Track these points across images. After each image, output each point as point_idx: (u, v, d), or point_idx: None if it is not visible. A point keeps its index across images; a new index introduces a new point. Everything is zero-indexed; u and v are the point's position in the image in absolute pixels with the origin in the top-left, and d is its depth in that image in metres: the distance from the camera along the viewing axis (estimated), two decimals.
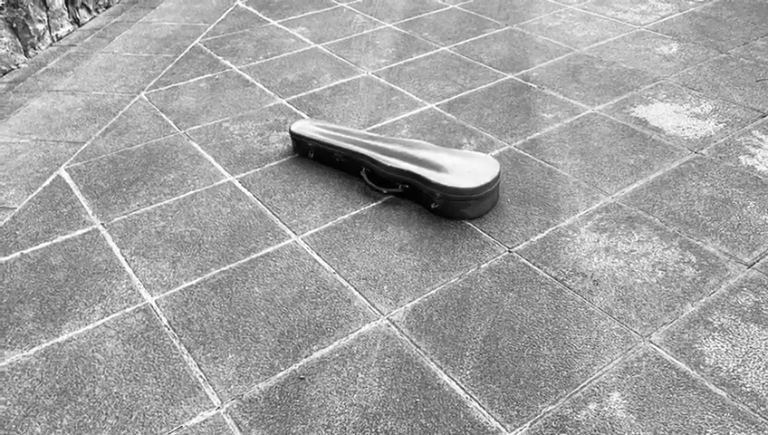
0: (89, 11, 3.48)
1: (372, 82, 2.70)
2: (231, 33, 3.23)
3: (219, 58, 2.95)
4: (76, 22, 3.38)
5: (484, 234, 1.81)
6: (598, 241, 1.77)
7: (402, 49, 2.98)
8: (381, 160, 1.97)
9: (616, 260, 1.70)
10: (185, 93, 2.66)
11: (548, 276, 1.66)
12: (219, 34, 3.21)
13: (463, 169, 1.89)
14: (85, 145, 2.32)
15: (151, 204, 2.00)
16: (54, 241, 1.86)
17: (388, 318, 1.56)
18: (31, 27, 3.03)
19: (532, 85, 2.61)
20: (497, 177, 1.87)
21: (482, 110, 2.45)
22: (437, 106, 2.49)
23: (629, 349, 1.46)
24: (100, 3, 3.58)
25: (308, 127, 2.19)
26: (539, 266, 1.69)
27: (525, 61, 2.81)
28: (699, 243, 1.75)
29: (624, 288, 1.62)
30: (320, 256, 1.76)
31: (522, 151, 2.18)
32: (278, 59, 2.93)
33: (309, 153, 2.16)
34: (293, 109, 2.51)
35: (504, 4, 3.45)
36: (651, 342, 1.48)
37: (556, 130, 2.31)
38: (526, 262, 1.71)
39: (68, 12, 3.32)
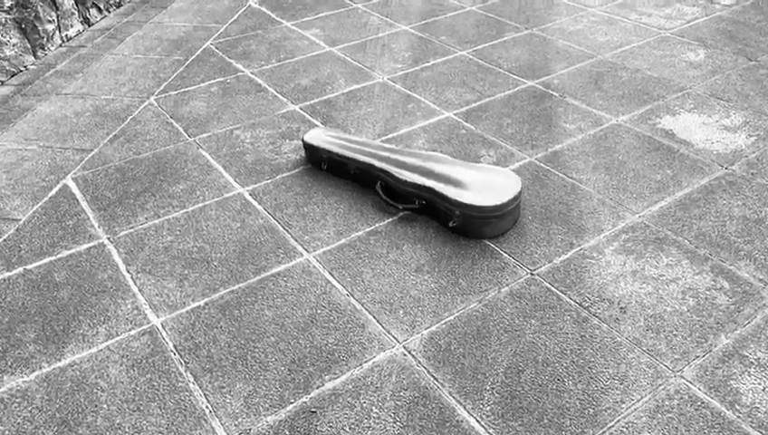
0: (99, 10, 3.42)
1: (388, 88, 2.62)
2: (243, 34, 3.16)
3: (231, 61, 2.88)
4: (86, 21, 3.32)
5: (505, 254, 1.73)
6: (624, 264, 1.68)
7: (419, 53, 2.89)
8: (397, 174, 1.89)
9: (644, 286, 1.62)
10: (195, 98, 2.59)
11: (572, 302, 1.58)
12: (231, 36, 3.14)
13: (483, 184, 1.81)
14: (93, 153, 2.26)
15: (159, 217, 1.93)
16: (59, 256, 1.80)
17: (404, 346, 1.49)
18: (40, 28, 2.98)
19: (554, 93, 2.52)
20: (519, 193, 1.79)
21: (501, 119, 2.37)
22: (455, 115, 2.41)
23: (660, 385, 1.38)
24: (111, 2, 3.52)
25: (321, 137, 2.12)
26: (562, 291, 1.61)
27: (546, 67, 2.72)
28: (732, 268, 1.66)
29: (653, 317, 1.54)
30: (333, 275, 1.69)
31: (543, 165, 2.10)
32: (291, 62, 2.85)
33: (322, 164, 2.09)
34: (306, 116, 2.44)
35: (523, 6, 3.36)
36: (683, 377, 1.39)
37: (579, 141, 2.22)
38: (549, 286, 1.63)
39: (78, 11, 3.26)
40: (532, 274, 1.67)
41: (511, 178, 1.84)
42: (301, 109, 2.49)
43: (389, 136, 2.29)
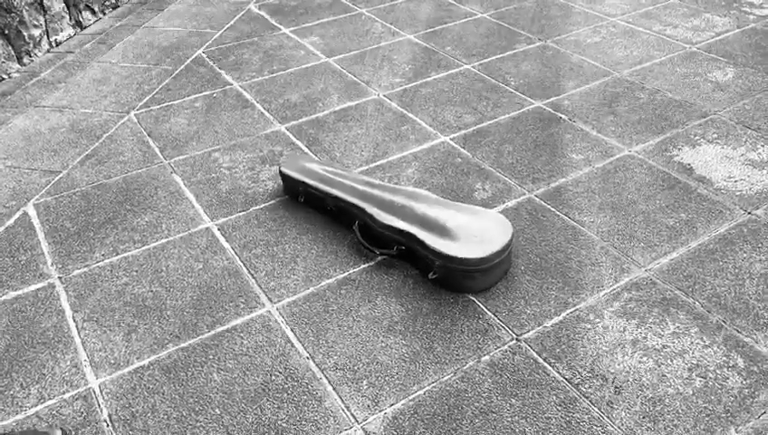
0: (93, 12, 3.28)
1: (382, 106, 2.43)
2: (238, 41, 2.99)
3: (221, 72, 2.72)
4: (79, 25, 3.18)
5: (489, 313, 1.54)
6: (624, 331, 1.48)
7: (420, 66, 2.70)
8: (376, 216, 1.71)
9: (644, 359, 1.42)
10: (177, 114, 2.43)
11: (561, 378, 1.39)
12: (225, 43, 2.98)
13: (469, 232, 1.62)
14: (60, 175, 2.12)
15: (117, 253, 1.78)
16: (4, 298, 1.66)
17: (362, 428, 1.31)
18: (25, 33, 2.85)
19: (562, 116, 2.31)
20: (509, 243, 1.60)
21: (502, 145, 2.16)
22: (452, 139, 2.21)
23: None
24: (107, 3, 3.38)
25: (299, 166, 1.94)
26: (551, 363, 1.42)
27: (557, 85, 2.50)
28: (748, 339, 1.45)
29: (652, 401, 1.33)
30: (294, 333, 1.52)
31: (543, 203, 1.89)
32: (284, 75, 2.68)
33: (299, 197, 1.92)
34: (291, 137, 2.27)
35: (538, 14, 3.13)
36: None
37: (585, 175, 2.01)
38: (536, 356, 1.43)
39: (69, 14, 3.12)
40: (518, 339, 1.47)
41: (501, 225, 1.64)
42: (287, 129, 2.32)
43: (377, 163, 2.10)
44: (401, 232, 1.65)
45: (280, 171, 1.95)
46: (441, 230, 1.63)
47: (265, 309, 1.59)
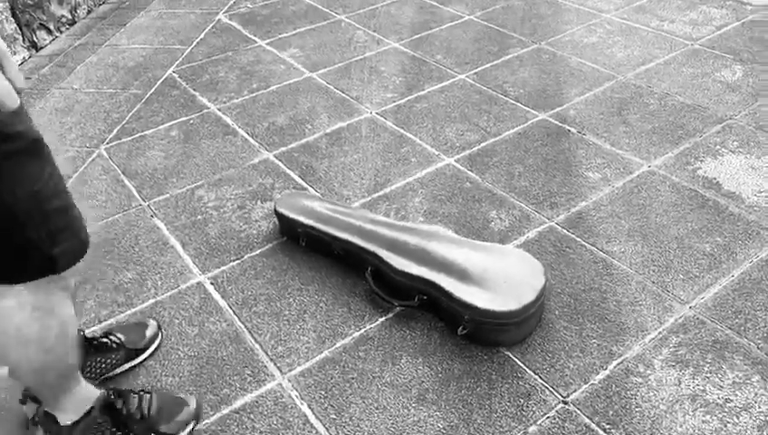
0: (49, 31, 3.01)
1: (377, 125, 2.25)
2: (210, 58, 2.77)
3: (195, 94, 2.50)
4: (33, 46, 2.92)
5: (529, 371, 1.38)
6: (680, 383, 1.34)
7: (411, 78, 2.51)
8: (390, 262, 1.54)
9: (708, 418, 1.27)
10: (152, 146, 2.21)
11: None
12: (197, 60, 2.75)
13: (497, 277, 1.46)
14: None
15: (99, 321, 1.58)
16: None
17: None
18: None
19: (571, 129, 2.15)
20: (543, 288, 1.44)
21: (512, 166, 2.00)
22: (457, 161, 2.04)
23: None
24: (63, 20, 3.11)
25: (297, 205, 1.75)
26: (606, 430, 1.26)
27: (559, 93, 2.35)
28: None
29: None
30: (312, 409, 1.34)
31: (567, 232, 1.74)
32: (265, 94, 2.47)
33: (300, 240, 1.73)
34: (282, 166, 2.07)
35: (527, 13, 2.96)
36: None
37: (606, 196, 1.86)
38: (588, 421, 1.28)
39: (23, 35, 2.86)
40: (565, 402, 1.32)
41: (530, 267, 1.48)
42: (276, 157, 2.12)
43: (380, 193, 1.92)
44: (421, 280, 1.48)
45: (276, 211, 1.76)
46: (466, 276, 1.46)
47: (276, 382, 1.40)
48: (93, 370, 1.40)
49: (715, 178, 1.89)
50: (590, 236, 1.72)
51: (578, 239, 1.72)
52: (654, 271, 1.60)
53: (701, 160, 1.97)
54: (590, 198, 1.86)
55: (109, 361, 1.42)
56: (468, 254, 1.52)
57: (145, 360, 1.46)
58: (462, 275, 1.46)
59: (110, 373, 1.42)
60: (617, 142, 2.07)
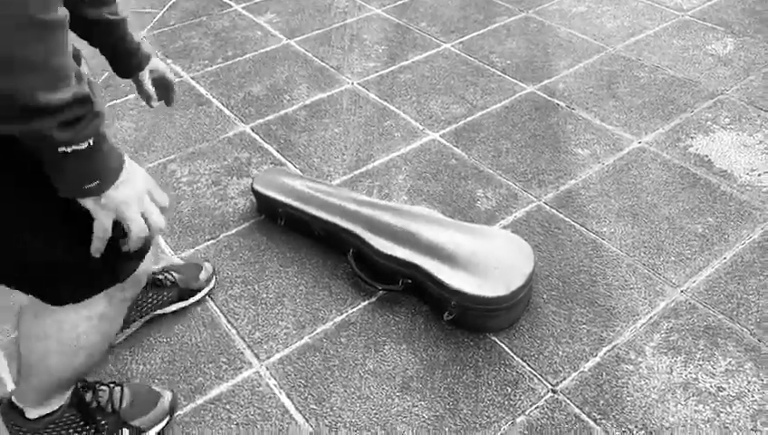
0: None
1: (359, 97, 2.15)
2: (184, 22, 2.63)
3: (168, 61, 2.37)
4: None
5: (517, 358, 1.33)
6: (671, 371, 1.30)
7: (395, 46, 2.41)
8: (374, 244, 1.47)
9: (700, 407, 1.24)
10: (123, 116, 2.10)
11: None
12: (170, 25, 2.61)
13: (487, 261, 1.39)
14: None
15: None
16: None
17: None
18: None
19: (559, 103, 2.08)
20: (532, 273, 1.38)
21: (499, 142, 1.93)
22: (442, 136, 1.96)
23: None
24: None
25: (275, 182, 1.67)
26: (596, 420, 1.22)
27: (548, 65, 2.27)
28: None
29: None
30: (291, 399, 1.28)
31: (555, 211, 1.68)
32: (241, 62, 2.36)
33: (278, 219, 1.65)
34: (259, 140, 1.97)
35: None
36: None
37: (596, 174, 1.80)
38: (578, 411, 1.24)
39: None
40: (554, 390, 1.27)
41: (520, 250, 1.42)
42: (252, 130, 2.02)
43: (363, 169, 1.84)
44: (405, 263, 1.42)
45: (253, 189, 1.67)
46: (453, 260, 1.39)
47: (253, 370, 1.33)
48: (145, 305, 1.39)
49: (706, 156, 1.84)
50: (580, 217, 1.67)
51: (567, 219, 1.66)
52: (645, 253, 1.56)
53: (692, 137, 1.92)
54: (579, 175, 1.80)
55: (161, 297, 1.42)
56: (455, 236, 1.46)
57: (197, 302, 1.47)
58: (449, 258, 1.40)
59: (162, 310, 1.43)
60: (606, 117, 2.01)
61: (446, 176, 1.81)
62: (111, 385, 1.21)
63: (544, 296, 1.46)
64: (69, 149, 0.71)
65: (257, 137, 1.99)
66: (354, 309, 1.45)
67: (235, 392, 1.29)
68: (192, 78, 2.28)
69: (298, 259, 1.57)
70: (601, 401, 1.25)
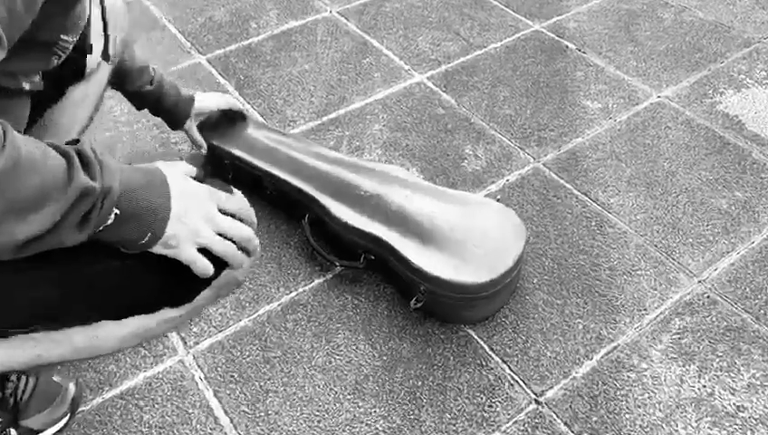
0: None
1: (337, 27, 1.85)
2: None
3: None
4: None
5: (495, 358, 1.10)
6: (682, 383, 1.07)
7: None
8: (333, 209, 1.21)
9: (714, 431, 1.02)
10: None
11: None
12: None
13: (467, 238, 1.14)
14: None
15: None
16: None
17: None
18: None
19: (569, 45, 1.79)
20: (522, 254, 1.14)
21: (495, 89, 1.65)
22: (429, 79, 1.68)
23: None
24: None
25: (226, 129, 1.40)
26: None
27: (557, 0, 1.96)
28: None
29: None
30: (219, 398, 1.06)
31: (555, 175, 1.42)
32: None
33: (226, 173, 1.39)
34: (215, 74, 1.69)
35: None
36: None
37: (606, 133, 1.53)
38: (566, 429, 1.01)
39: None
40: (538, 401, 1.05)
41: (510, 227, 1.17)
42: (209, 62, 1.73)
43: (332, 115, 1.57)
44: (370, 237, 1.17)
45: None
46: (427, 236, 1.15)
47: (176, 358, 1.11)
48: None
49: (737, 116, 1.57)
50: (584, 183, 1.41)
51: (568, 186, 1.40)
52: (658, 231, 1.31)
53: (721, 93, 1.63)
54: (586, 133, 1.53)
55: None
56: (433, 206, 1.20)
57: None
58: (422, 234, 1.15)
59: None
60: (622, 65, 1.72)
61: (430, 128, 1.54)
62: (21, 375, 1.00)
63: (534, 281, 1.22)
64: (99, 230, 0.62)
65: (213, 70, 1.71)
66: (306, 287, 1.21)
67: (152, 386, 1.07)
68: None
69: None
70: (594, 418, 1.03)
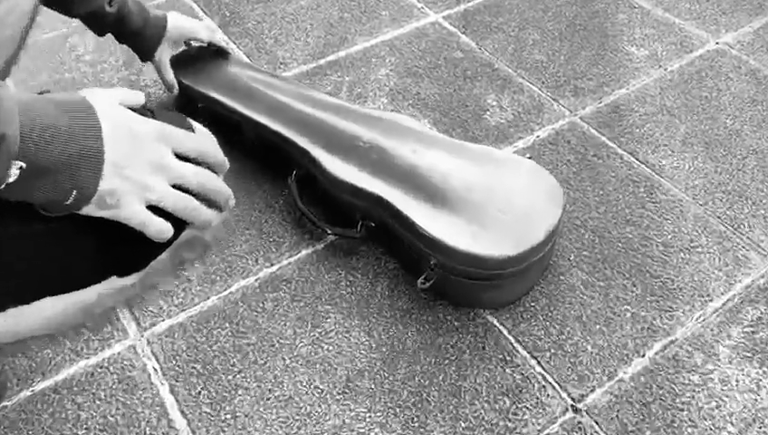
0: None
1: None
2: None
3: None
4: None
5: (522, 352, 0.89)
6: (759, 388, 0.85)
7: None
8: (326, 164, 0.99)
9: None
10: None
11: None
12: None
13: (489, 200, 0.92)
14: None
15: None
16: None
17: None
18: None
19: None
20: (559, 224, 0.91)
21: (524, 31, 1.41)
22: (446, 18, 1.44)
23: None
24: None
25: (203, 68, 1.17)
26: None
27: None
28: None
29: None
30: (175, 394, 0.85)
31: (595, 131, 1.19)
32: None
33: (200, 119, 1.17)
34: (196, 9, 1.45)
35: None
36: None
37: (655, 83, 1.29)
38: None
39: None
40: (575, 408, 0.84)
41: (543, 189, 0.94)
42: None
43: (330, 58, 1.34)
44: (370, 197, 0.94)
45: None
46: (440, 197, 0.92)
47: (128, 343, 0.90)
48: None
49: None
50: (629, 141, 1.18)
51: (610, 144, 1.17)
52: (721, 200, 1.08)
53: None
54: (631, 83, 1.29)
55: None
56: (448, 162, 0.97)
57: None
58: (434, 194, 0.93)
59: None
60: (672, 7, 1.47)
61: (446, 74, 1.31)
62: None
63: (571, 257, 0.99)
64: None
65: (195, 5, 1.47)
66: (290, 260, 0.99)
67: (94, 377, 0.86)
68: None
69: (224, 180, 1.11)
70: (648, 432, 0.81)
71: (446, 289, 0.92)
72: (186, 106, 1.16)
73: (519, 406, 0.83)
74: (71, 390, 0.85)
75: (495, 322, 0.91)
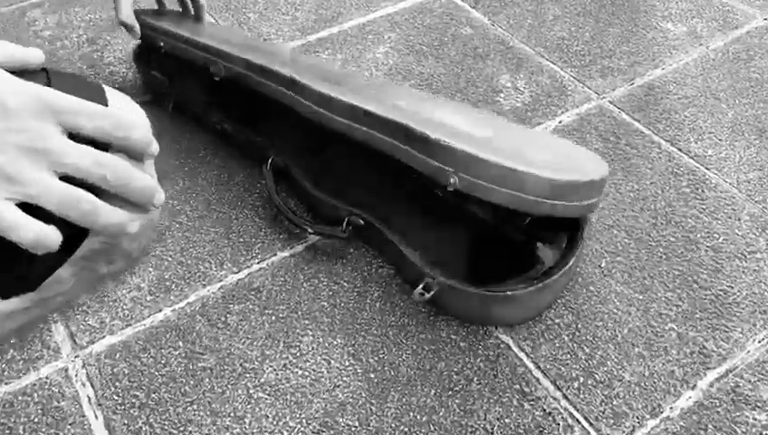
0: None
1: None
2: None
3: None
4: None
5: (545, 381, 0.72)
6: None
7: None
8: (317, 87, 0.82)
9: None
10: None
11: None
12: None
13: (523, 140, 0.74)
14: None
15: None
16: None
17: None
18: None
19: None
20: (604, 179, 0.73)
21: (542, 5, 1.24)
22: None
23: None
24: None
25: (163, 14, 1.01)
26: None
27: None
28: None
29: None
30: (112, 431, 0.69)
31: (627, 116, 1.02)
32: None
33: (166, 102, 1.00)
34: None
35: None
36: None
37: (695, 63, 1.12)
38: None
39: None
40: None
41: (582, 150, 0.77)
42: None
43: (321, 34, 1.18)
44: (379, 120, 0.77)
45: (134, 51, 1.02)
46: (464, 136, 0.74)
47: (58, 364, 0.74)
48: None
49: None
50: (668, 128, 1.00)
51: (645, 131, 1.00)
52: None
53: None
54: (667, 63, 1.12)
55: None
56: (471, 117, 0.80)
57: None
58: (456, 134, 0.74)
59: None
60: None
61: (454, 51, 1.14)
62: None
63: (602, 264, 0.82)
64: None
65: None
66: (262, 264, 0.83)
67: (13, 407, 0.70)
68: None
69: (189, 169, 0.94)
70: None
71: (450, 302, 0.75)
72: (148, 56, 1.00)
73: None
74: (17, 404, 0.69)
75: (511, 343, 0.74)
